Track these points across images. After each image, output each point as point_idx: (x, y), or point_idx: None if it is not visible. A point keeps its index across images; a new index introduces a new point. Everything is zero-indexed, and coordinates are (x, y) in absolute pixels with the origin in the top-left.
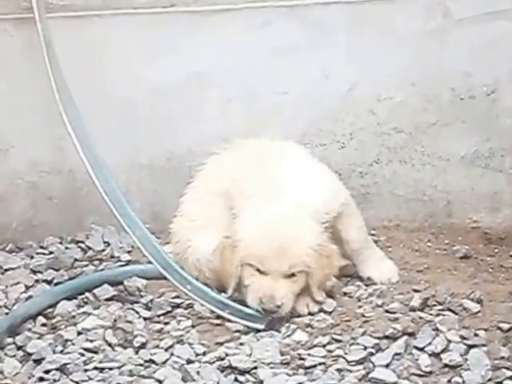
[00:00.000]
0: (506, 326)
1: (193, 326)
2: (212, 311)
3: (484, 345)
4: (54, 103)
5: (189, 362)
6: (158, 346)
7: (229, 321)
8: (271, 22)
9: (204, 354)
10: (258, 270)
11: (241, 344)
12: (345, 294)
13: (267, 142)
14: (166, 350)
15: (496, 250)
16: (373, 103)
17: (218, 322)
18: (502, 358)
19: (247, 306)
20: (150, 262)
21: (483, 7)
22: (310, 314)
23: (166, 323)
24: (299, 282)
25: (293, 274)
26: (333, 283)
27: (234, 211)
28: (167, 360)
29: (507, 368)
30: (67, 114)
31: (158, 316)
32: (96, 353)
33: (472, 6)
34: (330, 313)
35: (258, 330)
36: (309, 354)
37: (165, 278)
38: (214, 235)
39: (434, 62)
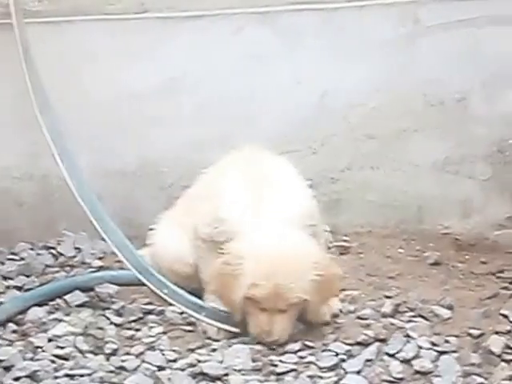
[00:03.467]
0: (476, 333)
1: (164, 333)
2: (184, 317)
3: (455, 351)
4: (27, 108)
5: (160, 368)
6: (129, 353)
7: (205, 324)
8: (244, 29)
9: (175, 360)
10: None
11: (212, 350)
12: None
13: (258, 154)
14: (137, 356)
15: (467, 257)
16: (345, 109)
17: (190, 328)
18: (473, 364)
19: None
20: (122, 268)
21: (453, 15)
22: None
23: (137, 330)
24: (298, 308)
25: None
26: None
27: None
28: (138, 367)
29: (478, 374)
30: (43, 117)
31: (130, 322)
32: (67, 360)
33: (442, 14)
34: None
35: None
36: (280, 361)
37: (138, 284)
38: (181, 236)
39: (406, 68)
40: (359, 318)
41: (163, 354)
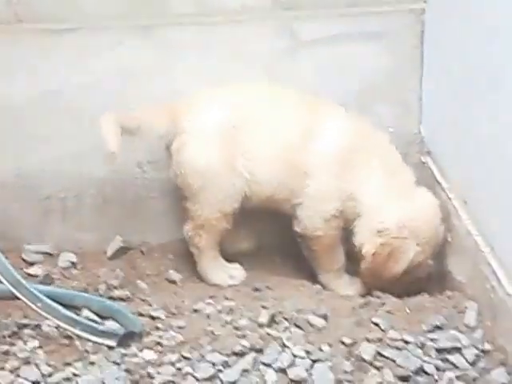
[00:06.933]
0: (349, 341)
1: (40, 347)
2: (60, 331)
3: (328, 359)
4: None
5: (35, 383)
6: (3, 368)
7: (79, 338)
8: (123, 42)
9: (51, 375)
10: None
11: (89, 364)
12: (195, 311)
13: None
14: (12, 371)
15: None
16: None
17: (67, 342)
18: (345, 371)
19: (98, 323)
20: None
21: (330, 30)
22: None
23: (12, 344)
24: None
25: None
26: None
27: None
28: (13, 382)
29: (349, 381)
30: None
31: (4, 337)
32: None
33: (318, 29)
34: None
35: (110, 347)
36: (158, 372)
37: (13, 298)
38: None
39: (284, 82)
40: (236, 328)
41: (39, 369)
